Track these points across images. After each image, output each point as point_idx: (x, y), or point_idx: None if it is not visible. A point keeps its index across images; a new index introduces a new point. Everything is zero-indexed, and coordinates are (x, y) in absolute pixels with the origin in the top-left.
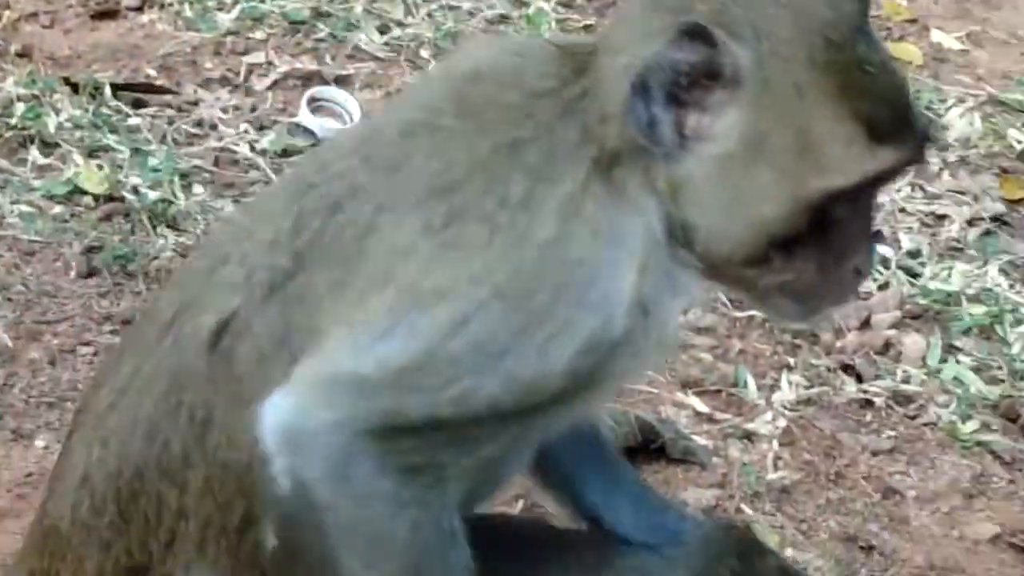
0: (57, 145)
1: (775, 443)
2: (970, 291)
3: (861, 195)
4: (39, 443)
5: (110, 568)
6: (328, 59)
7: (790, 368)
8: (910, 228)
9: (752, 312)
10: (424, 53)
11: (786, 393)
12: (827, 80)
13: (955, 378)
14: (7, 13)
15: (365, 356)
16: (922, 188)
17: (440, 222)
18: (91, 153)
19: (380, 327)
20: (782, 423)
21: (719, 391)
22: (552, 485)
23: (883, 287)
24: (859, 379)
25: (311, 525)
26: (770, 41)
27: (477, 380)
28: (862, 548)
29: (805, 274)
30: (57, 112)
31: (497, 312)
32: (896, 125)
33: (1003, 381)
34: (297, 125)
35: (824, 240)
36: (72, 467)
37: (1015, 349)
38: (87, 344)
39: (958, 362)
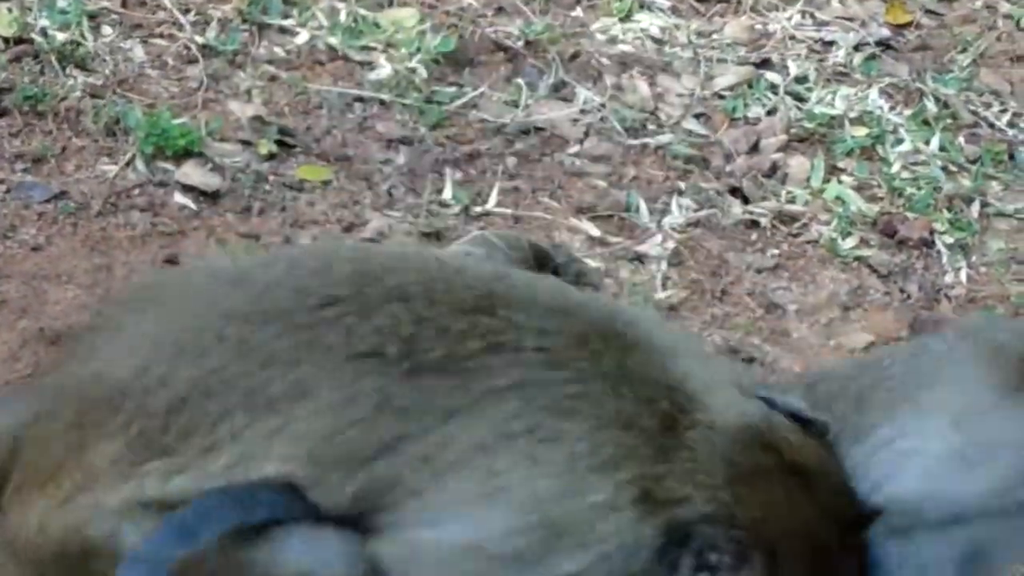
0: None
1: (664, 264)
2: (853, 114)
3: None
4: None
5: None
6: None
7: (680, 192)
8: (798, 55)
9: (646, 140)
10: None
11: (676, 216)
12: None
13: (837, 197)
14: None
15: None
16: (812, 15)
17: None
18: None
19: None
20: (671, 245)
21: (611, 216)
22: None
23: (771, 112)
24: (745, 200)
25: None
26: None
27: None
28: (744, 360)
29: None
30: None
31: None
32: None
33: (882, 199)
34: None
35: None
36: None
37: (894, 168)
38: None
39: (840, 182)
